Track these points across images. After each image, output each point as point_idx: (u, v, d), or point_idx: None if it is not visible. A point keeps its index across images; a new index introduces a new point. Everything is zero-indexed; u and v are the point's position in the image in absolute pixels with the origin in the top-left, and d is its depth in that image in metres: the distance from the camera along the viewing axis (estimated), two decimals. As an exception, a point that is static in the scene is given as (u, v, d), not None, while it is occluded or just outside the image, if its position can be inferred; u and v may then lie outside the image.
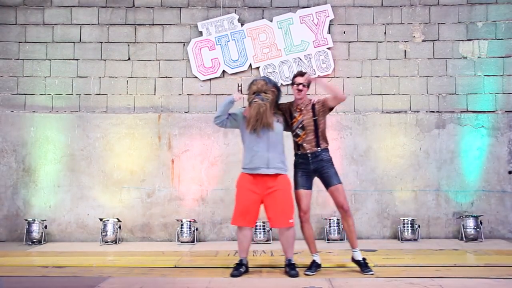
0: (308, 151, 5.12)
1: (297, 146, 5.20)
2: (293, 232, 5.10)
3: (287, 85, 7.68)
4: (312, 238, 5.25)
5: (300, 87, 5.14)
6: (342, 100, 5.33)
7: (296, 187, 5.18)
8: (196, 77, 7.77)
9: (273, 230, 7.34)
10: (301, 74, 5.25)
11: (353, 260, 5.19)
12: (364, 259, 5.17)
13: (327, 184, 5.17)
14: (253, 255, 6.15)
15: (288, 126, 5.22)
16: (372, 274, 5.00)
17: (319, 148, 5.13)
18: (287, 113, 5.23)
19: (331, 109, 5.24)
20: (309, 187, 5.19)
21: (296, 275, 4.96)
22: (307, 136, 5.12)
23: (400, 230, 7.25)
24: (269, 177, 5.03)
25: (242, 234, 5.11)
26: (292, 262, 5.10)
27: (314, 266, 5.14)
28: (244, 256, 5.13)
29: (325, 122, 5.23)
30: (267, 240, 7.24)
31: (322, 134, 5.17)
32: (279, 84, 5.20)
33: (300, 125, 5.14)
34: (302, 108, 5.17)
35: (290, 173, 5.20)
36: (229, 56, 7.73)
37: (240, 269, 5.06)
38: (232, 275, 5.00)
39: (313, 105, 5.19)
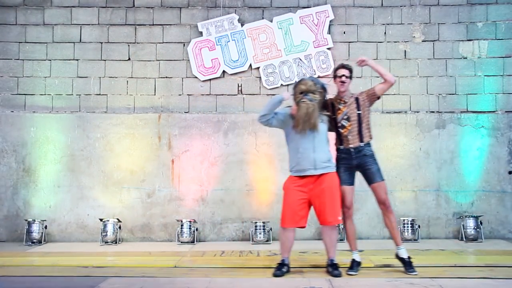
0: (351, 145, 5.09)
1: (340, 140, 5.16)
2: (337, 231, 5.08)
3: (287, 85, 7.71)
4: (354, 235, 5.24)
5: (343, 78, 5.12)
6: (391, 84, 5.16)
7: (339, 183, 5.15)
8: (196, 77, 7.77)
9: (273, 230, 7.36)
10: (344, 66, 5.22)
11: (398, 257, 5.14)
12: (409, 257, 5.10)
13: (370, 180, 5.15)
14: (248, 255, 6.15)
15: (331, 124, 5.16)
16: (416, 275, 4.92)
17: (363, 142, 5.10)
18: (330, 109, 5.18)
19: (378, 98, 5.19)
20: (352, 182, 5.17)
21: (339, 275, 4.93)
22: (352, 128, 5.08)
23: (400, 230, 7.24)
24: (317, 177, 5.02)
25: (285, 235, 5.08)
26: (335, 262, 5.07)
27: (355, 265, 5.11)
28: (286, 256, 5.10)
29: (369, 116, 5.19)
30: (267, 240, 7.24)
31: (366, 128, 5.13)
32: (326, 86, 5.15)
33: (346, 117, 5.10)
34: (347, 100, 5.14)
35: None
36: (229, 56, 7.73)
37: (282, 269, 5.04)
38: (275, 275, 4.99)
39: (356, 98, 5.16)
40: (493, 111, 7.65)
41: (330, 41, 7.73)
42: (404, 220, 7.26)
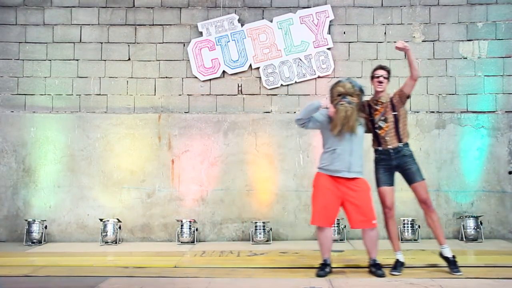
0: (389, 146, 5.08)
1: (378, 142, 5.15)
2: (377, 232, 5.07)
3: (287, 85, 7.71)
4: (396, 235, 5.23)
5: (381, 79, 5.13)
6: (416, 80, 5.12)
7: (379, 184, 5.15)
8: (196, 77, 7.77)
9: (273, 230, 7.37)
10: (382, 67, 5.23)
11: (442, 256, 5.11)
12: (454, 256, 5.06)
13: (410, 180, 5.14)
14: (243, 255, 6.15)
15: (368, 125, 5.16)
16: (461, 275, 4.90)
17: (401, 143, 5.09)
18: (366, 111, 5.17)
19: (408, 97, 5.16)
20: (391, 183, 5.17)
21: (383, 275, 4.92)
22: (389, 129, 5.08)
23: (400, 230, 7.24)
24: (348, 180, 5.00)
25: (323, 235, 5.06)
26: (377, 262, 5.05)
27: (398, 266, 5.08)
28: (327, 256, 5.08)
29: (406, 115, 5.18)
30: (267, 240, 7.24)
31: (403, 128, 5.12)
32: (363, 88, 5.13)
33: (383, 118, 5.10)
34: (384, 101, 5.14)
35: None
36: (229, 56, 7.73)
37: (325, 269, 5.02)
38: (318, 275, 4.97)
39: (391, 99, 5.15)
40: (493, 111, 7.65)
41: (330, 41, 7.73)
42: (404, 220, 7.25)
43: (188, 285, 4.75)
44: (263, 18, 7.79)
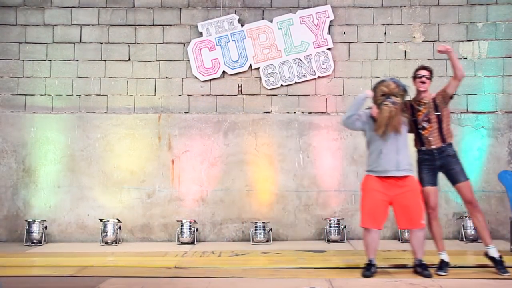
0: (433, 146, 5.07)
1: (421, 142, 5.13)
2: (425, 233, 5.05)
3: (287, 85, 7.72)
4: (440, 236, 5.19)
5: (424, 79, 5.12)
6: (461, 80, 5.11)
7: (422, 184, 5.11)
8: (196, 77, 7.77)
9: (273, 230, 7.36)
10: (424, 67, 5.23)
11: (488, 256, 5.08)
12: (500, 256, 5.04)
13: (454, 181, 5.11)
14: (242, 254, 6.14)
15: (411, 125, 5.13)
16: (509, 275, 4.86)
17: (445, 143, 5.08)
18: (409, 111, 5.15)
19: (451, 97, 5.14)
20: (435, 183, 5.14)
21: (429, 275, 4.88)
22: (432, 129, 5.07)
23: (400, 230, 7.24)
24: (398, 179, 4.97)
25: (370, 236, 5.02)
26: (424, 262, 5.03)
27: (444, 266, 5.06)
28: (373, 256, 5.04)
29: (449, 115, 5.17)
30: (267, 241, 7.24)
31: (447, 128, 5.11)
32: (407, 88, 5.10)
33: (426, 118, 5.09)
34: (426, 102, 5.12)
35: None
36: (229, 56, 7.74)
37: (371, 269, 4.99)
38: (364, 275, 4.95)
39: (434, 99, 5.13)
40: (493, 112, 7.65)
41: (330, 41, 7.73)
42: (404, 220, 7.24)
43: (188, 285, 4.75)
44: (263, 18, 7.79)
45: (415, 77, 5.21)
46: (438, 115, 5.08)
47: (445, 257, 5.11)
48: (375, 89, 5.08)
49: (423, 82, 5.13)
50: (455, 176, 5.10)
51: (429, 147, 5.09)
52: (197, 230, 7.40)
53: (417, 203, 4.99)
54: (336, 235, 7.22)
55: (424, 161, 5.14)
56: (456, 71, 5.07)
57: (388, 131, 4.91)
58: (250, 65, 7.75)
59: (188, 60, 7.77)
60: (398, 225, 5.14)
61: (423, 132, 5.10)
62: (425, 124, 5.10)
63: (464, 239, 7.17)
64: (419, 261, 5.05)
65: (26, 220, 7.36)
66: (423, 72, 5.16)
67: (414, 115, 5.14)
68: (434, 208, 5.13)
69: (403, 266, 5.37)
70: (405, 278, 4.88)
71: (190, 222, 7.33)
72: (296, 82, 7.73)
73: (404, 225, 5.09)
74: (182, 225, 7.29)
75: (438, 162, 5.09)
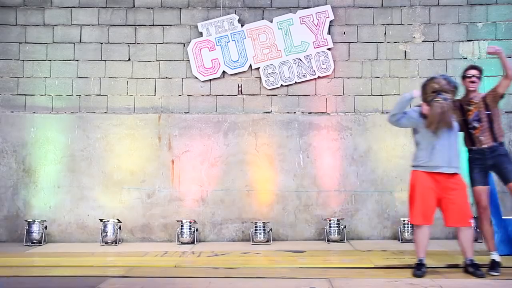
0: (484, 145, 5.07)
1: (472, 141, 5.13)
2: (473, 231, 5.05)
3: (287, 85, 7.71)
4: (491, 235, 5.19)
5: (473, 79, 5.13)
6: (511, 79, 5.13)
7: (473, 184, 5.11)
8: (196, 77, 7.77)
9: (273, 231, 7.36)
10: (474, 67, 5.23)
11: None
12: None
13: (507, 180, 5.10)
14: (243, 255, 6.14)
15: (461, 125, 5.12)
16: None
17: (496, 142, 5.07)
18: (458, 111, 5.15)
19: (502, 96, 5.13)
20: (486, 183, 5.15)
21: (482, 276, 4.85)
22: (483, 129, 5.06)
23: (400, 230, 7.24)
24: (448, 176, 4.95)
25: (421, 232, 5.00)
26: (475, 262, 5.00)
27: (496, 266, 5.03)
28: (423, 256, 5.01)
29: (499, 115, 5.16)
30: (267, 241, 7.23)
31: (498, 127, 5.10)
32: (458, 85, 5.10)
33: (477, 118, 5.09)
34: (476, 101, 5.12)
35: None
36: (229, 56, 7.74)
37: (421, 269, 4.95)
38: (415, 275, 4.91)
39: (484, 98, 5.13)
40: (493, 112, 7.64)
41: (330, 41, 7.73)
42: (404, 220, 7.24)
43: (188, 285, 4.75)
44: (263, 19, 7.79)
45: (464, 77, 5.22)
46: (488, 114, 5.09)
47: (496, 257, 5.09)
48: (425, 86, 5.06)
49: (473, 82, 5.14)
50: (508, 175, 5.09)
51: (480, 146, 5.10)
52: (197, 230, 7.40)
53: (466, 201, 4.98)
54: (336, 235, 7.22)
55: (475, 160, 5.15)
56: (507, 70, 5.11)
57: (440, 126, 4.89)
58: (250, 65, 7.75)
59: (188, 60, 7.77)
60: (446, 223, 5.06)
61: (474, 132, 5.11)
62: (475, 124, 5.10)
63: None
64: (470, 260, 5.01)
65: (26, 220, 7.36)
66: (473, 72, 5.17)
67: (464, 115, 5.14)
68: (485, 208, 5.15)
69: (404, 267, 5.38)
70: (405, 278, 4.88)
71: (190, 222, 7.33)
72: (296, 82, 7.73)
73: (453, 223, 5.03)
74: (182, 225, 7.29)
75: (489, 161, 5.10)
